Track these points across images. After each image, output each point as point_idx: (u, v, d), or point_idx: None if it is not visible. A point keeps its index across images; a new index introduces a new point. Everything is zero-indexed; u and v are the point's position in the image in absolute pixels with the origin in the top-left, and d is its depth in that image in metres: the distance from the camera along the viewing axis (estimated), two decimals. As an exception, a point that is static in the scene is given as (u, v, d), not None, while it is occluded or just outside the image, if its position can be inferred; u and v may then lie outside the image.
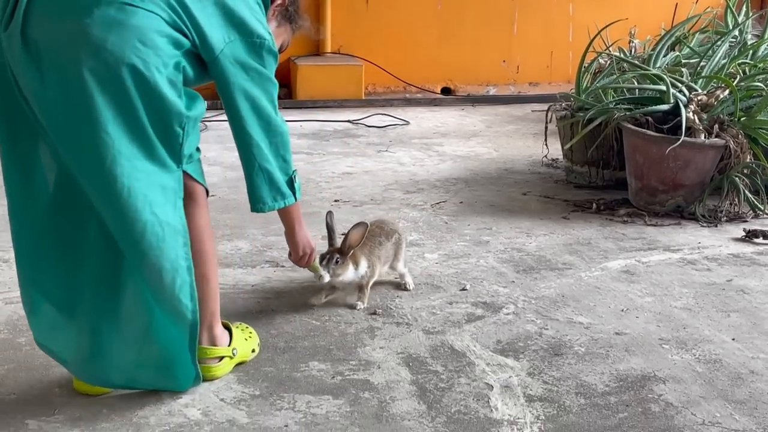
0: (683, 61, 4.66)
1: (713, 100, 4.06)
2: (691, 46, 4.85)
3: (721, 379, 2.54)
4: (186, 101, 2.15)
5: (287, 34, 2.55)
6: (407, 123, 6.27)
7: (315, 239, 2.79)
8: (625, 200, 4.29)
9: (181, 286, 2.20)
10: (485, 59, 7.47)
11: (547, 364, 2.61)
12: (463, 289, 3.17)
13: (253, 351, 2.59)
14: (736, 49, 4.50)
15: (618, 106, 4.29)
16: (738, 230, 3.90)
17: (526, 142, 5.72)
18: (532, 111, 6.73)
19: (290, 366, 2.56)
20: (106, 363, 2.29)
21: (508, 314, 2.97)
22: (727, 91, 4.05)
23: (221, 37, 2.17)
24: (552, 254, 3.58)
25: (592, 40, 4.70)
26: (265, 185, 2.34)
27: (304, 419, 2.28)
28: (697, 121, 3.97)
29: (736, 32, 4.66)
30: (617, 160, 4.41)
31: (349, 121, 6.28)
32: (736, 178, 4.01)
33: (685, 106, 4.00)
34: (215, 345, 2.46)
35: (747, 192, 4.05)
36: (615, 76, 4.53)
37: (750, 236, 3.81)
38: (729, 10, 4.96)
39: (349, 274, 2.91)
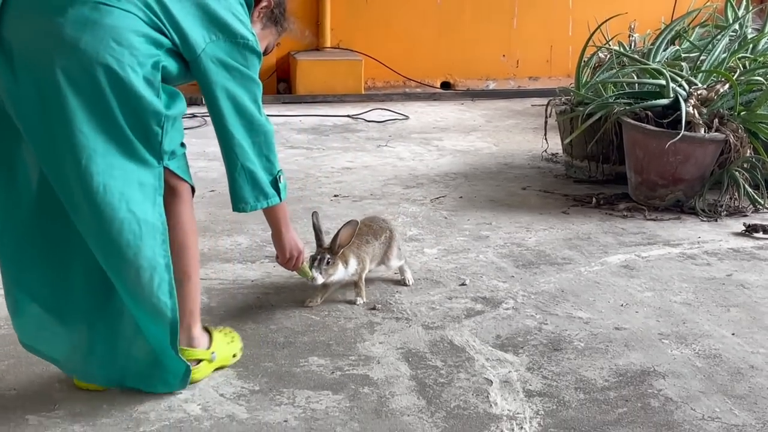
0: (683, 55, 4.65)
1: (713, 94, 4.06)
2: (691, 40, 4.85)
3: (720, 374, 2.54)
4: (165, 99, 2.14)
5: (273, 36, 2.53)
6: (407, 118, 6.27)
7: (309, 238, 2.74)
8: (625, 195, 4.28)
9: (160, 284, 2.17)
10: (485, 54, 7.46)
11: (546, 359, 2.61)
12: (463, 284, 3.17)
13: (234, 356, 2.53)
14: (736, 43, 4.49)
15: (618, 100, 4.29)
16: (738, 225, 3.89)
17: (526, 137, 5.71)
18: (532, 105, 6.72)
19: (290, 361, 2.56)
20: (100, 360, 2.28)
21: (507, 309, 2.97)
22: (727, 86, 4.05)
23: (202, 36, 2.16)
24: (551, 249, 3.58)
25: (592, 35, 4.70)
26: (247, 185, 2.31)
27: (304, 414, 2.28)
28: (697, 115, 3.97)
29: (736, 26, 4.66)
30: (617, 155, 4.40)
31: (348, 115, 6.27)
32: (736, 173, 4.01)
33: (685, 101, 3.99)
34: (192, 346, 2.40)
35: (747, 186, 4.05)
36: (615, 71, 4.53)
37: (750, 231, 3.80)
38: (729, 4, 4.96)
39: (339, 273, 2.91)
